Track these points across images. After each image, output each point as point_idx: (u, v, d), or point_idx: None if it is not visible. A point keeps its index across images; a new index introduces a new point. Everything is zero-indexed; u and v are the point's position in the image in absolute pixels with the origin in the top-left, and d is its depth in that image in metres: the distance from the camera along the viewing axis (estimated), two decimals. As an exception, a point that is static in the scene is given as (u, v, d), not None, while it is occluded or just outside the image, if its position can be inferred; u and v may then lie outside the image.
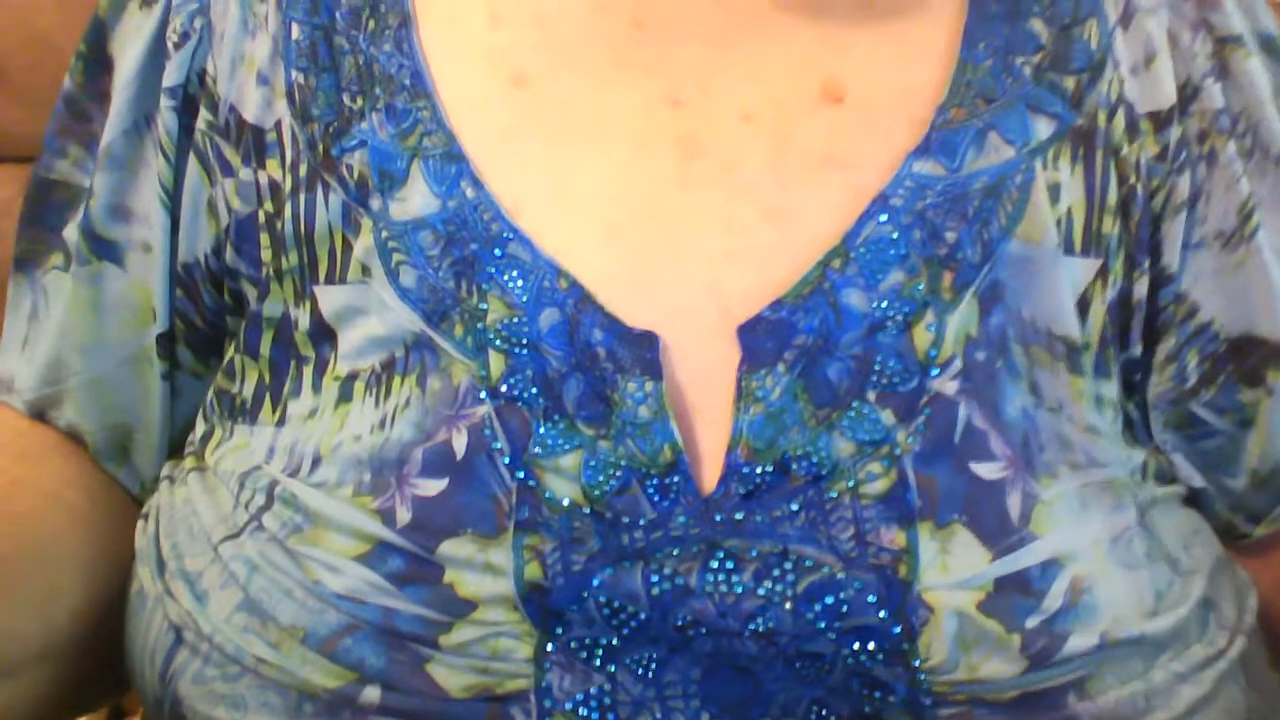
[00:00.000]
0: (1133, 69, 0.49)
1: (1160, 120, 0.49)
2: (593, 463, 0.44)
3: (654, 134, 0.48)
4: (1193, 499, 0.51)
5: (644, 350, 0.45)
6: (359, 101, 0.49)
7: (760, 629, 0.43)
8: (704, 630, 0.43)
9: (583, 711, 0.42)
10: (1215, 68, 0.50)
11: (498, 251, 0.46)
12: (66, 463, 0.53)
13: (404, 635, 0.43)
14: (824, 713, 0.43)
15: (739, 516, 0.44)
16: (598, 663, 0.43)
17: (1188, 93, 0.49)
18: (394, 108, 0.49)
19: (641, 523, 0.43)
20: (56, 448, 0.54)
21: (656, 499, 0.44)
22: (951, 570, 0.43)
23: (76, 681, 0.50)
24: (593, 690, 0.43)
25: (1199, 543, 0.48)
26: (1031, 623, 0.43)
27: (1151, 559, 0.46)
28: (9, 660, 0.47)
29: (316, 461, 0.46)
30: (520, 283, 0.46)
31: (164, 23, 0.51)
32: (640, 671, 0.43)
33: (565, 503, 0.44)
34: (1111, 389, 0.48)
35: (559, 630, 0.43)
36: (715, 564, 0.43)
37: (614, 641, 0.43)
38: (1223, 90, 0.49)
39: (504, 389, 0.45)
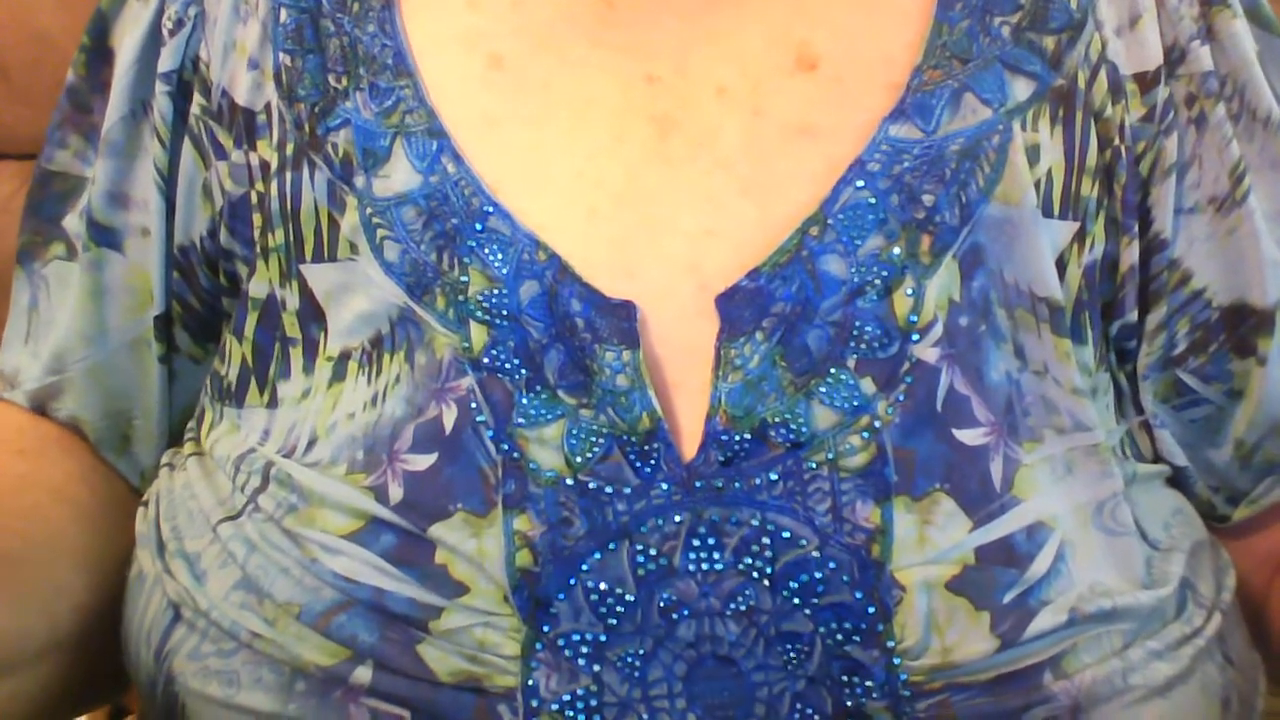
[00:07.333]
0: (1117, 30, 0.52)
1: (1147, 82, 0.51)
2: (575, 431, 0.47)
3: (630, 112, 0.51)
4: (1174, 481, 0.53)
5: (621, 320, 0.48)
6: (344, 82, 0.52)
7: (741, 607, 0.45)
8: (687, 612, 0.45)
9: (569, 713, 0.45)
10: (1202, 30, 0.52)
11: (478, 226, 0.49)
12: (68, 457, 0.57)
13: (395, 615, 0.46)
14: (808, 710, 0.45)
15: (719, 484, 0.46)
16: (583, 661, 0.45)
17: (1174, 55, 0.52)
18: (377, 87, 0.52)
19: (626, 491, 0.46)
20: (58, 442, 0.57)
21: (639, 465, 0.47)
22: (930, 543, 0.45)
23: (79, 678, 0.53)
24: (579, 691, 0.45)
25: (1179, 522, 0.51)
26: (1005, 597, 0.45)
27: (1133, 532, 0.48)
28: (13, 657, 0.49)
29: (312, 442, 0.49)
30: (500, 256, 0.49)
31: (160, 11, 0.55)
32: (626, 670, 0.45)
33: (550, 474, 0.47)
34: (1087, 354, 0.50)
35: (546, 628, 0.45)
36: (697, 541, 0.46)
37: (600, 637, 0.45)
38: (1210, 53, 0.52)
39: (486, 360, 0.48)
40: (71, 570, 0.52)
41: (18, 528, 0.52)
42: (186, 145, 0.55)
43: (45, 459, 0.56)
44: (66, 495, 0.55)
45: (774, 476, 0.46)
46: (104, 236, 0.56)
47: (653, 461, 0.47)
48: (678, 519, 0.46)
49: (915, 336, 0.48)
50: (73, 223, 0.57)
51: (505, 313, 0.49)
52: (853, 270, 0.48)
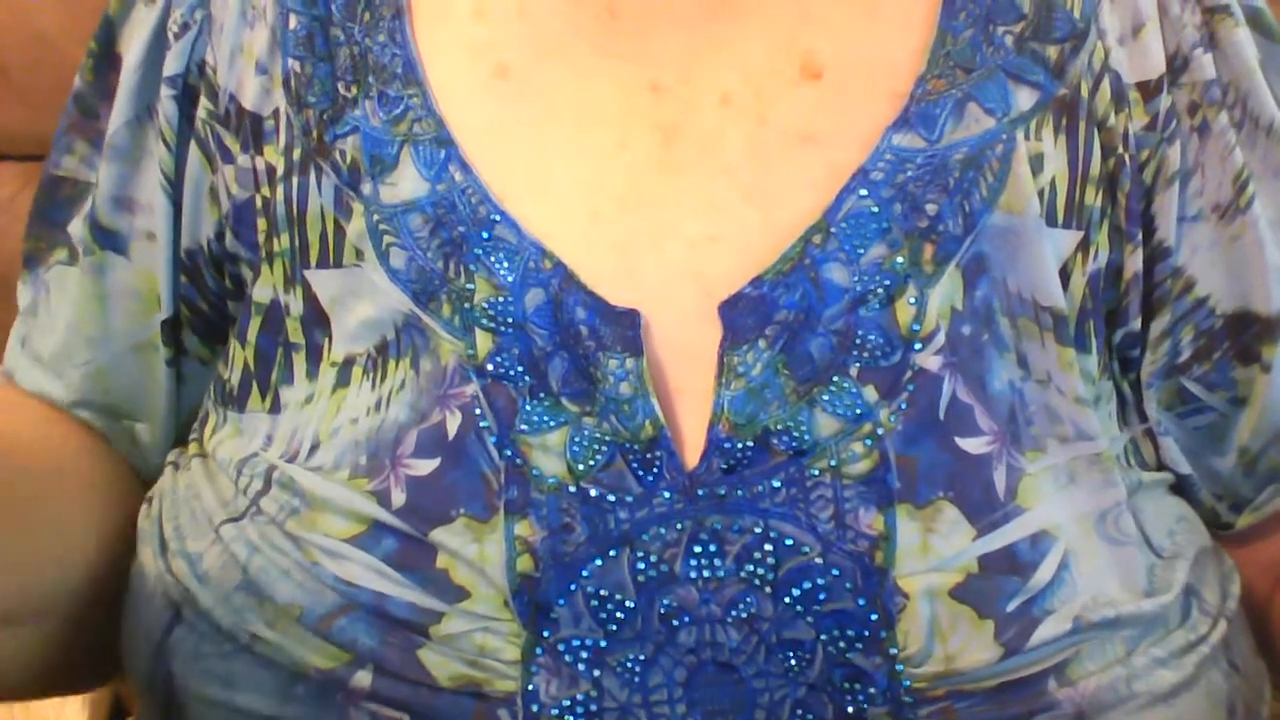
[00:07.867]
0: (1120, 39, 0.52)
1: (1149, 90, 0.52)
2: (578, 439, 0.48)
3: (634, 121, 0.52)
4: (1178, 488, 0.54)
5: (625, 328, 0.48)
6: (353, 90, 0.53)
7: (742, 614, 0.46)
8: (688, 619, 0.46)
9: (569, 718, 0.45)
10: (1205, 38, 0.52)
11: (485, 234, 0.50)
12: (90, 433, 0.58)
13: (396, 620, 0.46)
14: (809, 717, 0.45)
15: (721, 492, 0.47)
16: (583, 667, 0.46)
17: (1177, 63, 0.52)
18: (386, 95, 0.53)
19: (628, 500, 0.47)
20: (69, 421, 0.58)
21: (641, 474, 0.47)
22: (934, 551, 0.46)
23: (77, 648, 0.54)
24: (579, 696, 0.45)
25: (1183, 529, 0.51)
26: (1009, 605, 0.45)
27: (1136, 541, 0.48)
28: (20, 607, 0.50)
29: (315, 447, 0.50)
30: (506, 264, 0.50)
31: (165, 14, 0.56)
32: (626, 676, 0.46)
33: (552, 481, 0.47)
34: (1091, 362, 0.51)
35: (546, 633, 0.46)
36: (699, 548, 0.46)
37: (600, 643, 0.46)
38: (1213, 61, 0.52)
39: (491, 367, 0.49)
40: (93, 531, 0.54)
41: (53, 479, 0.53)
42: (193, 149, 0.55)
43: (66, 424, 0.57)
44: (99, 453, 0.57)
45: (776, 484, 0.47)
46: (108, 240, 0.56)
47: (655, 469, 0.47)
48: (679, 527, 0.47)
49: (917, 345, 0.48)
50: (77, 227, 0.57)
51: (510, 320, 0.49)
52: (855, 279, 0.49)
